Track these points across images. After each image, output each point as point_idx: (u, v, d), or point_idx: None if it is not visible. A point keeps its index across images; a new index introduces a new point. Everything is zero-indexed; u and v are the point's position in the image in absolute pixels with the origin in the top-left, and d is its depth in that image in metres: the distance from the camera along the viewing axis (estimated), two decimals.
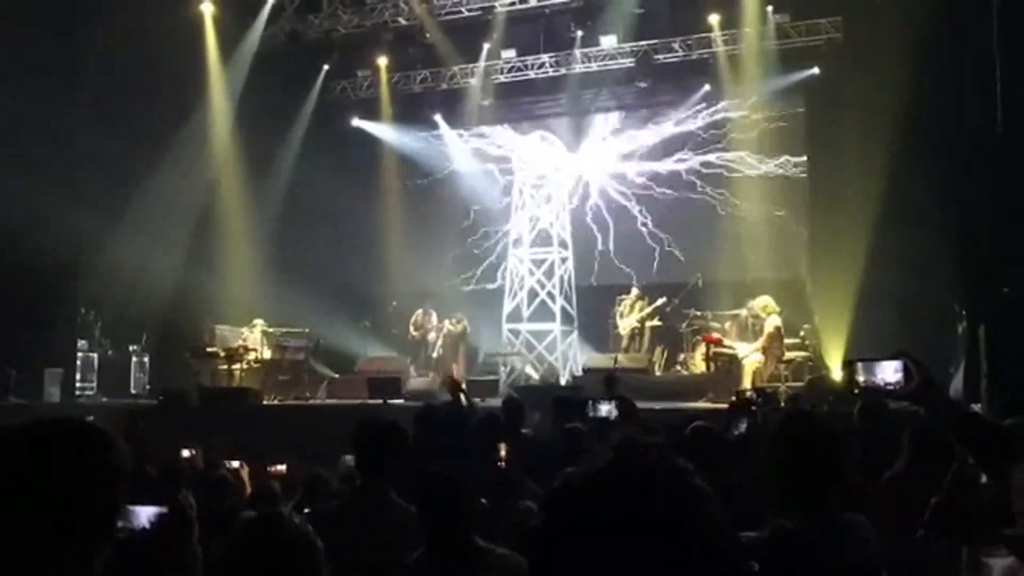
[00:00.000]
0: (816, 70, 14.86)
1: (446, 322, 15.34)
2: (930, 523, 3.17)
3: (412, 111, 17.57)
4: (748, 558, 2.06)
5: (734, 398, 7.57)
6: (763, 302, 12.41)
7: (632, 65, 15.89)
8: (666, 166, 16.40)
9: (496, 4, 15.82)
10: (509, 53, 16.47)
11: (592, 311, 15.73)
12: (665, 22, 15.75)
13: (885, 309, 12.23)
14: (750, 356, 12.13)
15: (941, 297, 11.02)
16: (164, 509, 2.16)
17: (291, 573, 2.09)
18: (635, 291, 14.70)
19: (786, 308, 12.72)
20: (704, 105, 16.18)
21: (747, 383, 11.49)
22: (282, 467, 6.21)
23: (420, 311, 15.65)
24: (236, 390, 12.92)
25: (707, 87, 15.91)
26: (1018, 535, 2.63)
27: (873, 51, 13.35)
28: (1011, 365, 8.68)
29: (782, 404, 8.45)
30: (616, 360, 13.30)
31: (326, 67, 17.08)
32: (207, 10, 15.49)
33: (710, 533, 1.06)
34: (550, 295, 15.97)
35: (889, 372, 2.40)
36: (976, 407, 7.15)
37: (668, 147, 16.44)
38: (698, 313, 14.20)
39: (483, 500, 3.48)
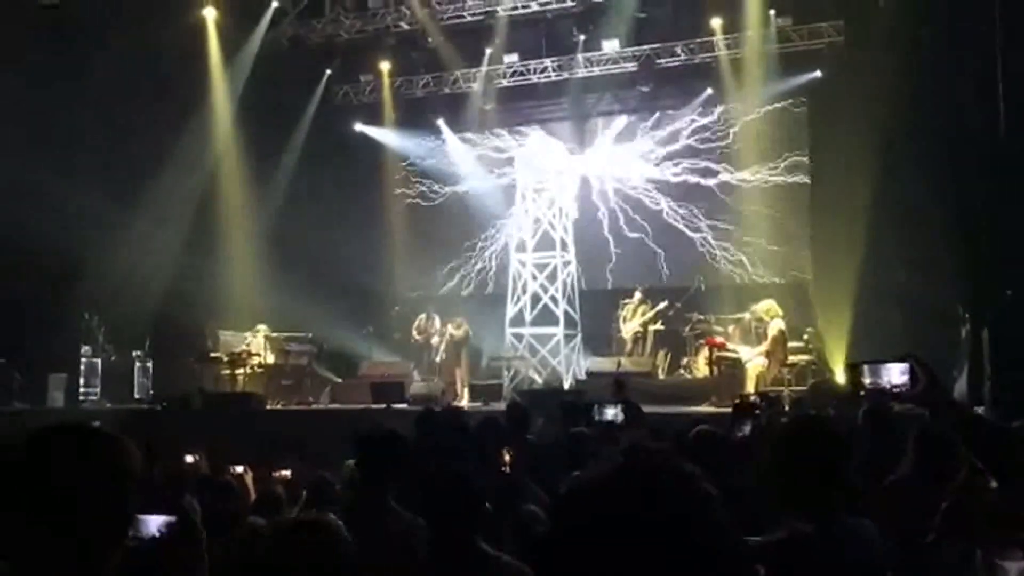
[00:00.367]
0: (818, 73, 14.86)
1: (449, 326, 15.33)
2: (941, 527, 3.16)
3: (415, 116, 17.59)
4: (753, 563, 2.06)
5: (738, 401, 7.56)
6: (766, 306, 12.41)
7: (634, 69, 15.90)
8: (668, 169, 16.39)
9: (498, 8, 15.84)
10: (511, 57, 16.48)
11: (595, 315, 15.73)
12: (667, 26, 15.76)
13: (888, 312, 12.22)
14: (753, 360, 12.12)
15: (944, 300, 11.02)
16: (173, 518, 2.16)
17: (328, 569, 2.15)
18: (638, 295, 14.69)
19: (789, 312, 12.72)
20: (706, 108, 16.18)
21: (750, 387, 11.48)
22: (286, 472, 6.19)
23: (423, 315, 15.65)
24: (239, 395, 12.94)
25: (709, 91, 15.91)
26: None
27: (874, 54, 13.37)
28: (1015, 367, 8.68)
29: (786, 408, 8.43)
30: (619, 364, 13.29)
31: (328, 72, 17.11)
32: (210, 16, 15.52)
33: (717, 538, 1.06)
34: (553, 299, 15.96)
35: (895, 374, 2.40)
36: (979, 409, 7.12)
37: (670, 150, 16.44)
38: (701, 317, 14.19)
39: (487, 504, 3.47)
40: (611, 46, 15.84)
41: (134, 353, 14.50)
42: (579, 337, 15.89)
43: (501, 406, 10.80)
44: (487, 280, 17.37)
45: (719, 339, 13.22)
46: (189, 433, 9.61)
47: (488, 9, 15.94)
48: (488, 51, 16.52)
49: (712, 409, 10.94)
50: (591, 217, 16.83)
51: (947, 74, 11.96)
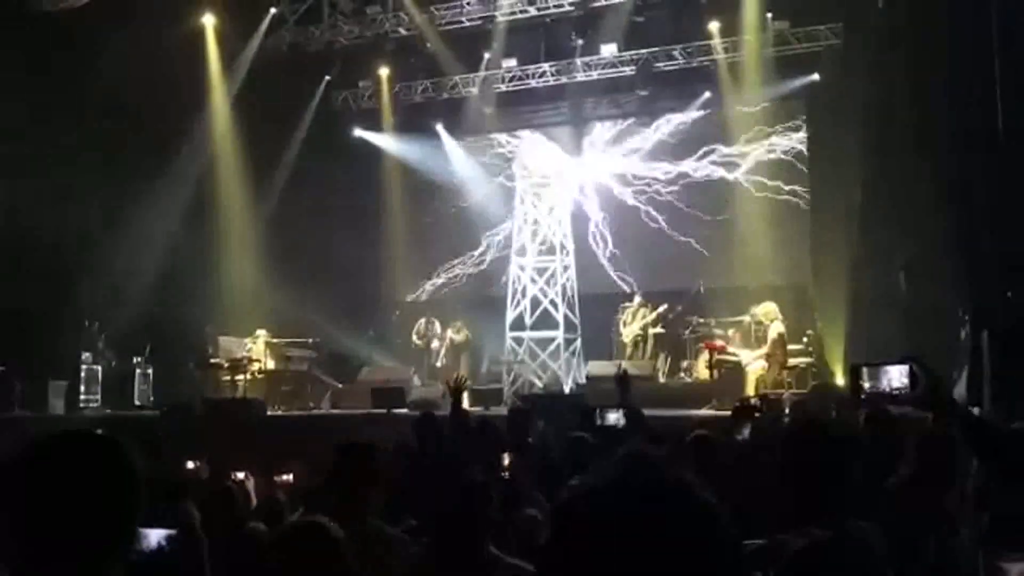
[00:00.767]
0: (816, 76, 14.89)
1: (449, 331, 15.34)
2: (943, 529, 3.17)
3: (414, 121, 17.60)
4: (754, 570, 2.06)
5: (738, 405, 7.56)
6: (766, 308, 12.41)
7: (633, 73, 15.92)
8: (667, 174, 16.41)
9: (496, 13, 15.85)
10: (510, 62, 16.50)
11: (595, 319, 15.74)
12: (665, 30, 15.77)
13: (888, 314, 12.22)
14: (753, 363, 12.12)
15: (944, 302, 11.01)
16: (174, 531, 2.18)
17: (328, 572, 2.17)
18: (638, 299, 14.71)
19: (789, 314, 12.72)
20: (705, 112, 16.20)
21: (751, 390, 11.49)
22: (288, 477, 6.20)
23: (423, 320, 15.66)
24: (240, 401, 12.92)
25: (708, 94, 15.94)
26: None
27: (873, 56, 13.39)
28: (1014, 370, 8.68)
29: (786, 411, 8.44)
30: (619, 367, 13.27)
31: (327, 78, 17.12)
32: (209, 22, 15.54)
33: (717, 549, 1.06)
34: (553, 303, 15.97)
35: (896, 377, 2.40)
36: (978, 411, 7.12)
37: (669, 155, 16.46)
38: (701, 320, 14.20)
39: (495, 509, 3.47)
40: (609, 50, 15.86)
41: (134, 359, 14.47)
42: (579, 341, 15.90)
43: (502, 410, 10.82)
44: (487, 284, 17.37)
45: (719, 342, 13.23)
46: (190, 439, 9.63)
47: (486, 14, 15.95)
48: (487, 56, 16.55)
49: (713, 412, 10.94)
50: (590, 221, 16.85)
51: (946, 76, 11.97)
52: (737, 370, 12.36)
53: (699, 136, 16.29)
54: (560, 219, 16.49)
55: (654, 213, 16.39)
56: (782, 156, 15.60)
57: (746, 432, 5.67)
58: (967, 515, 3.57)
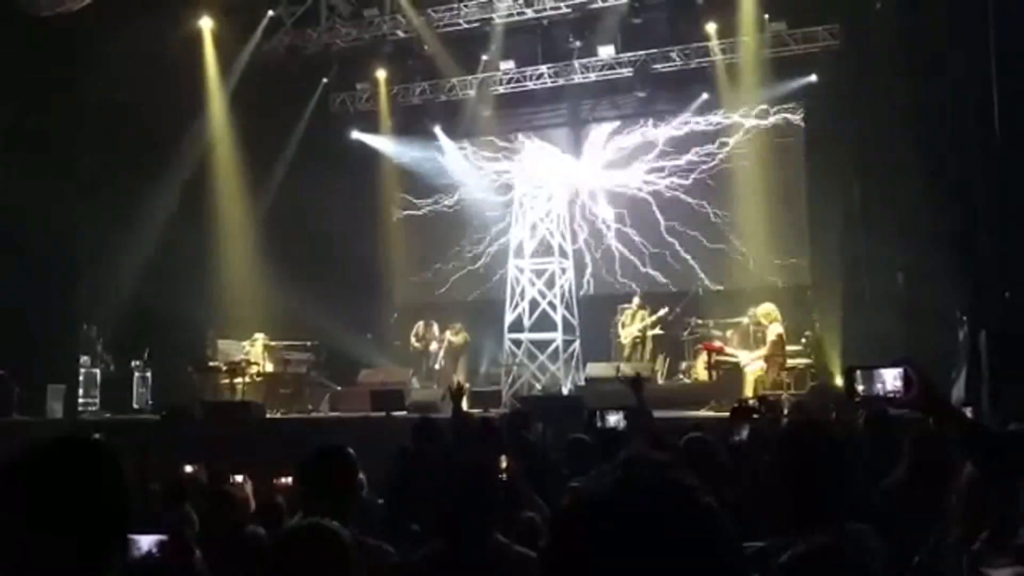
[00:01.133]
0: (814, 77, 14.91)
1: (447, 333, 15.34)
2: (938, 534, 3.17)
3: (411, 123, 17.62)
4: (757, 572, 2.07)
5: (736, 406, 7.56)
6: (765, 309, 12.40)
7: (630, 75, 15.93)
8: (665, 175, 16.42)
9: (494, 15, 15.87)
10: (508, 64, 16.50)
11: (594, 321, 15.74)
12: (663, 31, 15.81)
13: (886, 315, 12.23)
14: (752, 364, 12.12)
15: (942, 302, 11.02)
16: (165, 537, 2.18)
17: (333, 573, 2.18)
18: (636, 300, 14.71)
19: (788, 315, 12.72)
20: (703, 113, 16.21)
21: (749, 391, 11.48)
22: (287, 480, 6.19)
23: (421, 323, 15.66)
24: (239, 404, 12.92)
25: (705, 95, 15.95)
26: None
27: (870, 58, 13.40)
28: (1013, 370, 8.68)
29: (785, 412, 8.44)
30: (618, 369, 13.29)
31: (325, 80, 17.13)
32: (206, 26, 15.55)
33: (719, 552, 1.06)
34: (551, 305, 15.96)
35: (889, 380, 2.39)
36: (967, 411, 7.12)
37: (667, 156, 16.47)
38: (700, 321, 14.20)
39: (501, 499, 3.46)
40: (607, 52, 15.87)
41: (133, 363, 14.47)
42: (577, 343, 15.89)
43: (500, 412, 10.81)
44: (485, 286, 17.38)
45: (717, 343, 13.23)
46: (189, 443, 9.63)
47: (484, 16, 15.97)
48: (484, 58, 16.57)
49: (711, 413, 10.94)
50: (588, 222, 16.87)
51: (943, 77, 11.98)
52: (736, 371, 12.35)
53: (696, 137, 16.29)
54: (558, 221, 16.49)
55: (652, 214, 16.39)
56: (780, 157, 15.60)
57: (744, 433, 5.67)
58: (958, 516, 3.58)
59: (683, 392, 12.93)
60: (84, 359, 14.16)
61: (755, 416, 6.34)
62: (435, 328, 15.57)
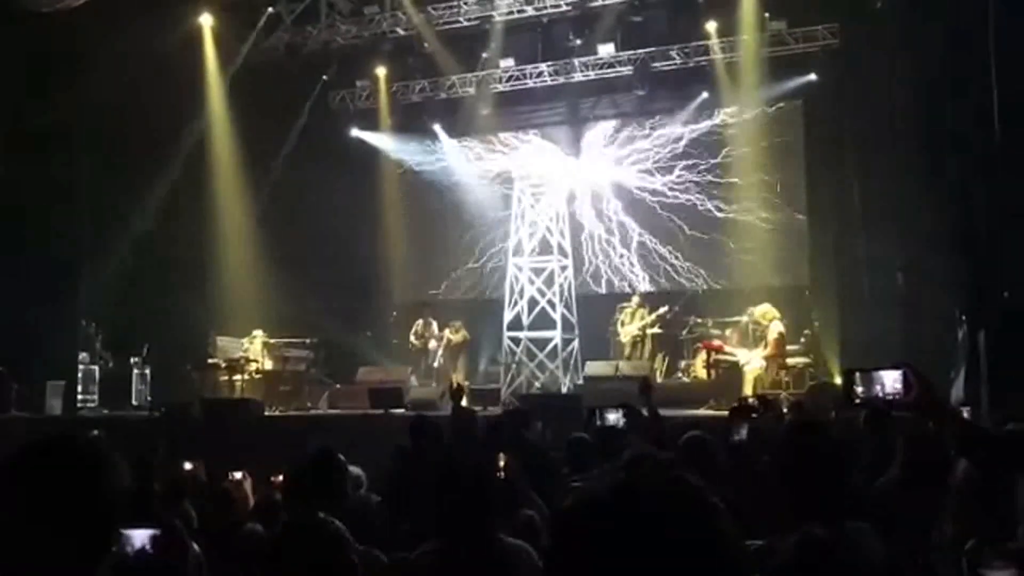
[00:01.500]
0: (813, 76, 14.89)
1: (446, 331, 15.34)
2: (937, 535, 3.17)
3: (411, 121, 17.59)
4: (759, 571, 2.07)
5: (736, 405, 7.57)
6: (763, 309, 12.42)
7: (630, 73, 15.91)
8: (665, 173, 16.41)
9: (494, 13, 15.85)
10: (507, 62, 16.49)
11: (593, 319, 15.73)
12: (663, 30, 15.79)
13: (885, 315, 12.24)
14: (751, 363, 12.14)
15: (942, 302, 11.03)
16: (158, 531, 2.18)
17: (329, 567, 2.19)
18: (636, 299, 14.70)
19: (787, 315, 12.73)
20: (702, 112, 16.20)
21: (748, 390, 11.49)
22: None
23: (420, 321, 15.65)
24: (238, 401, 12.92)
25: (705, 94, 15.94)
26: (1022, 548, 2.63)
27: (870, 57, 13.40)
28: (1011, 370, 8.69)
29: (784, 411, 8.44)
30: (617, 368, 13.31)
31: (324, 78, 17.10)
32: (206, 23, 15.53)
33: (723, 552, 1.06)
34: (550, 303, 15.95)
35: (889, 382, 2.39)
36: (965, 411, 7.12)
37: (667, 154, 16.46)
38: (699, 320, 14.20)
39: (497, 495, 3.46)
40: (607, 50, 15.85)
41: (132, 360, 14.47)
42: (576, 341, 15.89)
43: (499, 411, 10.81)
44: (484, 285, 17.37)
45: (716, 342, 13.23)
46: (187, 440, 9.64)
47: (484, 14, 15.96)
48: (484, 56, 16.54)
49: (710, 412, 10.95)
50: (588, 221, 16.86)
51: (943, 76, 11.98)
52: (735, 370, 12.37)
53: (695, 136, 16.28)
54: (557, 219, 16.49)
55: (651, 212, 16.38)
56: (779, 156, 15.59)
57: (744, 432, 5.66)
58: (952, 515, 3.59)
59: (682, 391, 12.94)
60: (83, 356, 14.15)
61: (754, 415, 6.33)
62: (434, 326, 15.57)
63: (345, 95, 17.62)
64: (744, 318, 13.40)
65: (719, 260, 15.64)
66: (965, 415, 5.29)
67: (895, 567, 2.85)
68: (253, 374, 14.04)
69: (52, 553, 1.55)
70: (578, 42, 16.02)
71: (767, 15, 14.83)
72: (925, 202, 11.81)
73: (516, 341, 15.90)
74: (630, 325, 14.44)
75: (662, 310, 14.27)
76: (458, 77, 16.89)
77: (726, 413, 7.46)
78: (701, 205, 16.02)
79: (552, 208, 16.57)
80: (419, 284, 17.72)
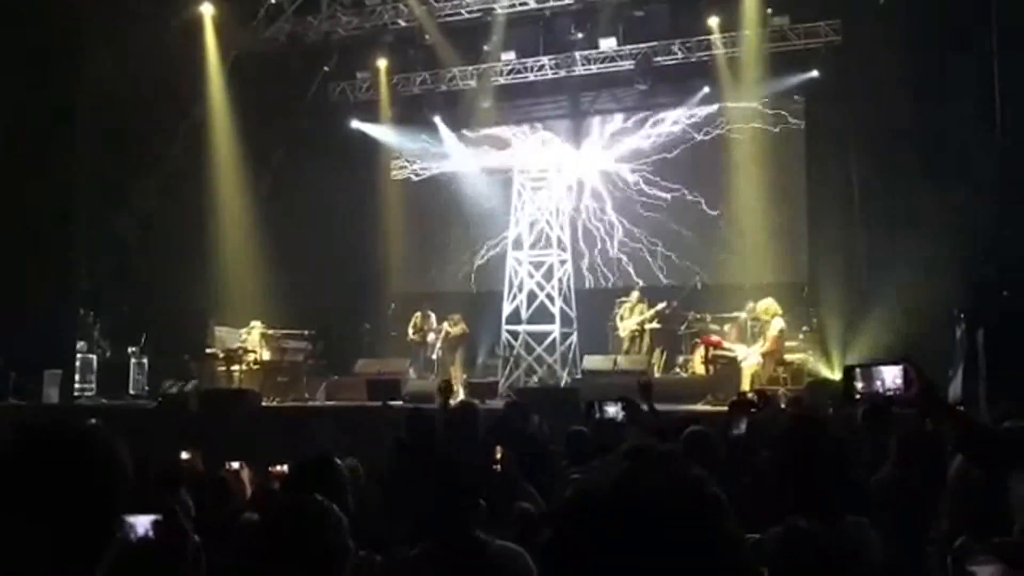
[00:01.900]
0: (815, 73, 14.87)
1: (445, 324, 15.31)
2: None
3: (412, 113, 17.57)
4: (758, 563, 2.06)
5: (735, 399, 7.57)
6: (766, 304, 12.40)
7: (632, 67, 15.89)
8: (666, 168, 16.39)
9: (496, 6, 15.82)
10: (509, 55, 16.46)
11: (591, 313, 15.72)
12: (665, 24, 15.77)
13: (884, 312, 12.24)
14: (749, 359, 12.14)
15: (940, 300, 11.03)
16: (159, 517, 2.18)
17: (321, 544, 2.20)
18: (635, 294, 14.69)
19: (785, 311, 12.72)
20: (704, 107, 16.17)
21: (746, 385, 11.50)
22: (283, 468, 6.18)
23: (419, 313, 15.63)
24: (235, 392, 12.91)
25: (706, 89, 15.91)
26: (1006, 543, 2.63)
27: (872, 54, 13.38)
28: (1009, 369, 8.69)
29: (782, 407, 8.45)
30: (615, 362, 13.31)
31: (325, 69, 17.07)
32: (207, 12, 15.49)
33: (724, 543, 1.06)
34: (549, 297, 15.95)
35: (889, 378, 2.38)
36: (964, 409, 7.13)
37: (668, 149, 16.44)
38: (698, 315, 14.19)
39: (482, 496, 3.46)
40: (608, 44, 15.83)
41: (129, 349, 14.47)
42: (575, 335, 15.89)
43: (497, 404, 10.82)
44: (484, 278, 17.36)
45: (715, 338, 13.23)
46: (184, 430, 9.63)
47: (486, 6, 15.92)
48: (485, 49, 16.51)
49: (708, 407, 10.95)
50: (588, 215, 16.85)
51: (945, 74, 11.97)
52: (733, 365, 12.36)
53: (697, 131, 16.25)
54: (557, 213, 16.48)
55: (651, 207, 16.37)
56: (780, 152, 15.57)
57: (743, 427, 5.67)
58: (947, 511, 3.59)
59: (680, 386, 12.92)
60: (81, 345, 14.15)
61: (753, 410, 6.34)
62: (433, 319, 15.55)
63: (345, 86, 17.59)
64: (743, 314, 13.39)
65: (718, 255, 15.62)
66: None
67: (892, 563, 2.85)
68: (251, 365, 14.03)
69: (54, 541, 1.55)
70: (580, 36, 16.00)
71: (769, 11, 14.81)
72: (925, 199, 11.80)
73: (515, 334, 15.91)
74: (628, 320, 14.43)
75: (660, 306, 14.25)
76: (459, 69, 16.86)
77: (723, 408, 7.47)
78: (701, 200, 16.00)
79: (552, 202, 16.56)
80: (418, 276, 17.71)
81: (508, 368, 15.40)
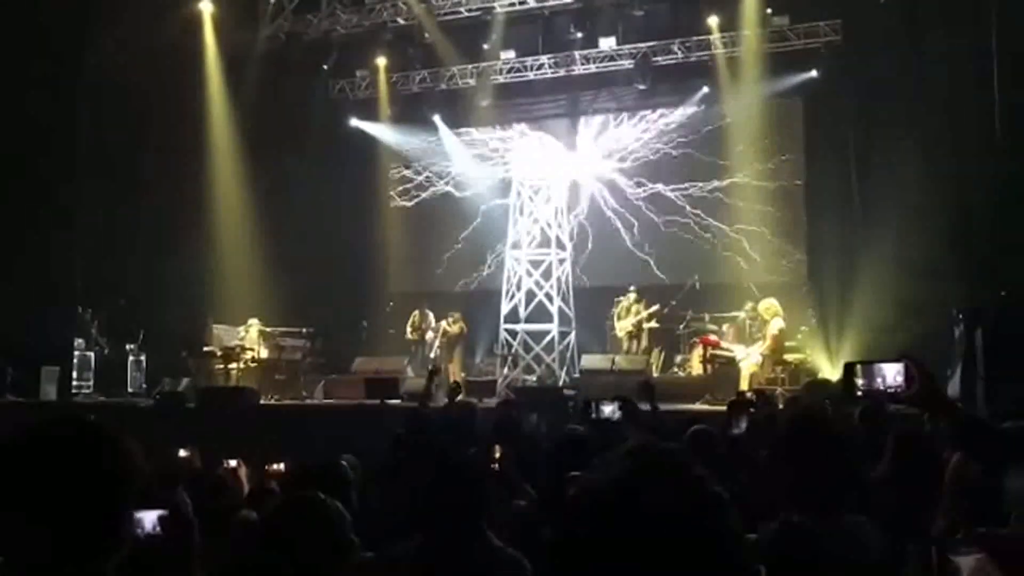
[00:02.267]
0: (814, 73, 14.87)
1: (443, 322, 15.32)
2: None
3: (411, 111, 17.55)
4: (756, 561, 2.05)
5: (734, 399, 7.57)
6: (767, 303, 12.39)
7: (631, 67, 15.89)
8: (664, 167, 16.39)
9: (495, 5, 15.83)
10: (508, 54, 16.46)
11: (590, 312, 15.73)
12: (664, 24, 15.77)
13: (882, 311, 12.25)
14: (748, 359, 12.13)
15: (939, 299, 11.03)
16: (166, 512, 2.18)
17: (326, 544, 2.20)
18: (632, 295, 14.68)
19: (784, 310, 12.72)
20: (703, 106, 16.17)
21: (744, 385, 11.49)
22: (280, 466, 6.18)
23: (417, 312, 15.63)
24: (233, 389, 12.91)
25: (706, 89, 15.91)
26: (990, 534, 2.65)
27: (872, 53, 13.39)
28: (1008, 368, 8.70)
29: (780, 407, 8.44)
30: (613, 361, 13.31)
31: (324, 67, 17.06)
32: (206, 9, 15.48)
33: (726, 539, 1.06)
34: (548, 296, 15.95)
35: (890, 375, 2.37)
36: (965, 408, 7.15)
37: (667, 148, 16.44)
38: (696, 315, 14.19)
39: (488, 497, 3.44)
40: (608, 43, 15.83)
41: (127, 347, 14.46)
42: (573, 334, 15.90)
43: (495, 403, 10.81)
44: (482, 276, 17.36)
45: (713, 337, 13.22)
46: (182, 427, 9.63)
47: (485, 5, 15.93)
48: (485, 47, 16.51)
49: (706, 407, 10.95)
50: (586, 214, 16.84)
51: (944, 74, 11.98)
52: (731, 365, 12.35)
53: (695, 130, 16.25)
54: (556, 212, 16.48)
55: (649, 207, 16.37)
56: (779, 152, 15.57)
57: (743, 426, 5.66)
58: (945, 508, 3.60)
59: (678, 386, 12.90)
60: (79, 342, 14.13)
61: (752, 409, 6.33)
62: (431, 317, 15.55)
63: (345, 85, 17.58)
64: (741, 314, 13.39)
65: (717, 255, 15.63)
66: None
67: (892, 563, 2.85)
68: (249, 362, 14.02)
69: (66, 537, 1.55)
70: (579, 35, 16.00)
71: (769, 10, 14.81)
72: (925, 199, 11.81)
73: (513, 333, 15.91)
74: (624, 320, 14.44)
75: (654, 308, 14.27)
76: (458, 68, 16.86)
77: (721, 408, 7.47)
78: (700, 199, 16.01)
79: (551, 201, 16.56)
80: (416, 275, 17.70)
81: (506, 367, 15.39)
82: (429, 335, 15.35)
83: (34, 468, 1.57)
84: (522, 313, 15.94)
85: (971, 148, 11.74)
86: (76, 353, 14.03)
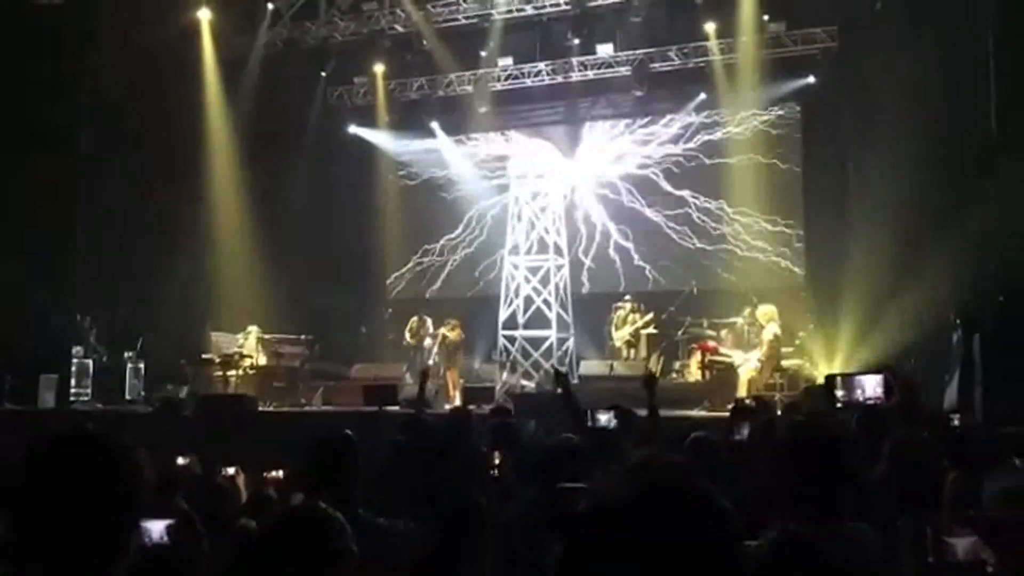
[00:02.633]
0: (811, 79, 14.90)
1: (442, 329, 15.30)
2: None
3: (409, 118, 17.57)
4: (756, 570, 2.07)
5: (735, 405, 7.57)
6: (764, 309, 12.40)
7: (628, 73, 15.91)
8: (662, 174, 16.40)
9: (493, 12, 15.86)
10: (506, 61, 16.49)
11: (588, 318, 15.73)
12: (662, 30, 15.79)
13: (880, 317, 12.25)
14: (746, 364, 12.14)
15: (937, 305, 11.04)
16: (174, 521, 2.19)
17: (326, 554, 2.22)
18: (628, 304, 14.66)
19: (782, 316, 12.73)
20: (700, 113, 16.19)
21: (742, 391, 11.50)
22: (278, 473, 6.17)
23: (416, 318, 15.63)
24: (232, 397, 12.90)
25: (703, 95, 15.93)
26: (981, 516, 2.69)
27: (869, 59, 13.41)
28: (1006, 374, 8.70)
29: (778, 413, 8.45)
30: (612, 368, 13.31)
31: (323, 74, 17.08)
32: (204, 17, 15.50)
33: (732, 553, 1.07)
34: (546, 302, 15.95)
35: (870, 387, 2.40)
36: (956, 417, 7.15)
37: (664, 154, 16.46)
38: (694, 321, 14.20)
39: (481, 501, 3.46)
40: (605, 50, 15.87)
41: (126, 354, 14.44)
42: (571, 341, 15.90)
43: (492, 409, 10.79)
44: (480, 283, 17.36)
45: (711, 343, 13.23)
46: (181, 435, 9.62)
47: (483, 12, 15.95)
48: (483, 54, 16.54)
49: (705, 413, 10.95)
50: (584, 221, 16.86)
51: (941, 79, 12.00)
52: (729, 371, 12.37)
53: (693, 138, 16.27)
54: (554, 218, 16.49)
55: (647, 213, 16.38)
56: (777, 158, 15.59)
57: (744, 432, 5.66)
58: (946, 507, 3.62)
59: (676, 392, 12.91)
60: (77, 349, 14.12)
61: (753, 415, 6.34)
62: (429, 324, 15.54)
63: (343, 92, 17.60)
64: (739, 319, 13.41)
65: (715, 260, 15.64)
66: (955, 421, 5.32)
67: (892, 571, 2.86)
68: (247, 370, 14.02)
69: (76, 547, 1.56)
70: (577, 42, 16.03)
71: (766, 17, 14.83)
72: (921, 204, 11.82)
73: (511, 340, 15.90)
74: (622, 330, 14.45)
75: (649, 316, 14.29)
76: (456, 75, 16.88)
77: (720, 414, 7.47)
78: (698, 205, 16.02)
79: (549, 207, 16.57)
80: (414, 281, 17.72)
81: (505, 373, 15.38)
82: (428, 341, 15.33)
83: (44, 481, 1.58)
84: (520, 319, 15.94)
85: (968, 153, 11.76)
86: (74, 361, 14.01)
